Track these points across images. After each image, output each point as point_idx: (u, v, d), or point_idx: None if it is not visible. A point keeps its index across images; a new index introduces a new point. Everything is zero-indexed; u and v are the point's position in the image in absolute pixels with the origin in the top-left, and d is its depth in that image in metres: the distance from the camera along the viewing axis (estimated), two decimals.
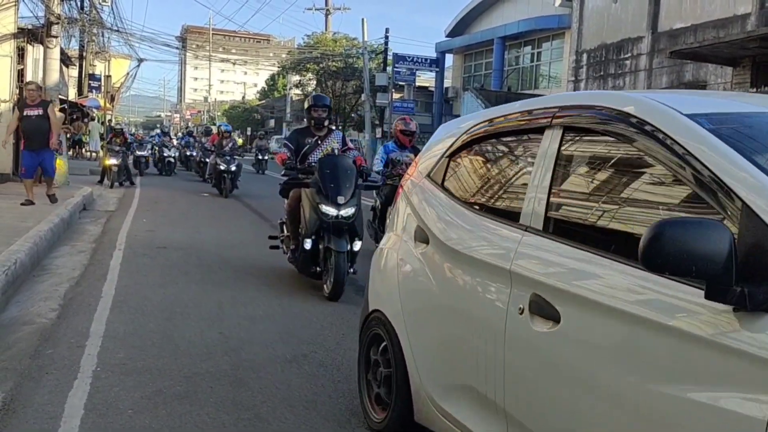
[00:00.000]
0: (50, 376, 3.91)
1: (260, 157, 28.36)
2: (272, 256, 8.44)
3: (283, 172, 6.87)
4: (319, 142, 6.93)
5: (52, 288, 6.14)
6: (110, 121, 25.27)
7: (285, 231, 7.19)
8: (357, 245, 6.42)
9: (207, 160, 19.77)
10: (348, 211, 6.21)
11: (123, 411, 3.48)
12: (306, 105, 7.11)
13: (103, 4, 27.72)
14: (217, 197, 16.25)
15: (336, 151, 6.82)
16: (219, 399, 3.69)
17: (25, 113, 10.67)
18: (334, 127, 7.64)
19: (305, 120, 7.18)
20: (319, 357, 4.49)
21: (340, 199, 6.13)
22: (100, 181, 18.00)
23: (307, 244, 6.25)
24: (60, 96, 18.34)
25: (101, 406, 3.53)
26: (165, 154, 24.51)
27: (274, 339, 4.86)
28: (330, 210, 6.10)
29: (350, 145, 7.25)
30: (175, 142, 30.10)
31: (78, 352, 4.35)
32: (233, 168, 16.25)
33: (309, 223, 6.22)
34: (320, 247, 6.26)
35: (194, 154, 25.69)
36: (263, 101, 70.99)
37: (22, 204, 10.27)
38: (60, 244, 8.52)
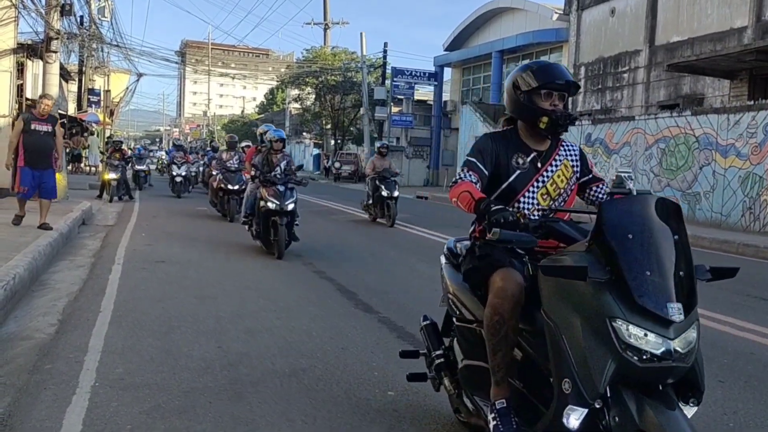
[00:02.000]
0: (48, 392, 3.90)
1: (386, 192, 14.53)
2: (271, 270, 8.43)
3: (493, 234, 2.82)
4: (540, 164, 3.32)
5: (51, 303, 6.13)
6: (110, 137, 25.16)
7: (459, 354, 3.40)
8: (691, 412, 2.62)
9: (230, 186, 14.25)
10: (687, 340, 2.49)
11: (121, 426, 3.47)
12: (526, 82, 3.23)
13: (103, 19, 27.91)
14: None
15: (604, 188, 3.42)
16: (217, 413, 3.68)
17: (32, 127, 9.71)
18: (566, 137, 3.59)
19: (515, 114, 3.37)
20: (319, 371, 4.48)
21: (675, 312, 2.42)
22: (99, 196, 18.06)
23: (575, 420, 2.48)
24: (59, 111, 18.39)
25: (99, 421, 3.51)
26: (174, 173, 20.88)
27: (273, 353, 4.85)
28: (650, 340, 2.41)
29: (596, 171, 3.53)
30: (191, 158, 24.43)
31: (76, 367, 4.34)
32: (290, 206, 9.39)
33: (586, 365, 2.46)
34: (610, 422, 2.48)
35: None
36: (262, 115, 71.14)
37: (12, 221, 9.65)
38: (59, 258, 8.53)
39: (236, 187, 14.08)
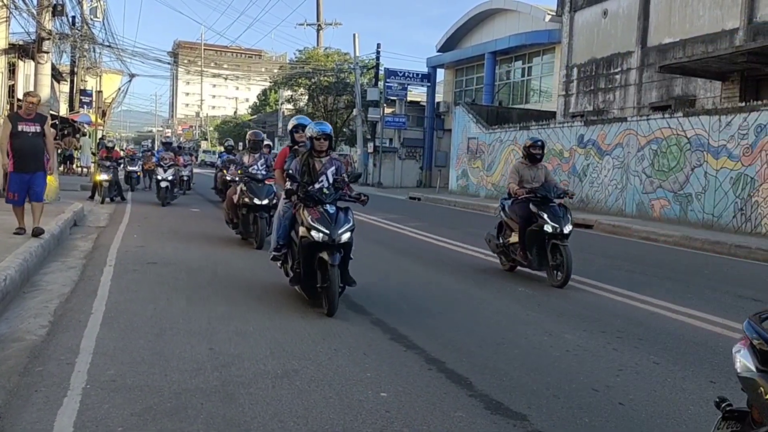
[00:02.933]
0: (39, 394, 3.88)
1: (551, 227, 8.24)
2: (263, 271, 8.42)
3: None
4: None
5: (42, 304, 6.11)
6: (102, 138, 25.05)
7: None
8: None
9: (257, 200, 10.63)
10: None
11: (113, 428, 3.46)
12: None
13: (95, 19, 27.86)
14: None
15: None
16: (209, 415, 3.67)
17: (19, 128, 8.99)
18: None
19: None
20: (311, 372, 4.48)
21: None
22: (91, 197, 18.00)
23: None
24: (51, 111, 18.33)
25: (91, 423, 3.50)
26: (159, 177, 17.82)
27: (264, 354, 4.84)
28: None
29: None
30: (182, 160, 21.53)
31: (68, 369, 4.32)
32: (345, 237, 6.38)
33: None
34: None
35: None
36: (255, 116, 71.12)
37: (14, 233, 8.98)
38: (50, 260, 8.49)
39: (265, 201, 10.65)
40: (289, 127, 8.24)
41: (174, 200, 18.36)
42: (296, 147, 7.86)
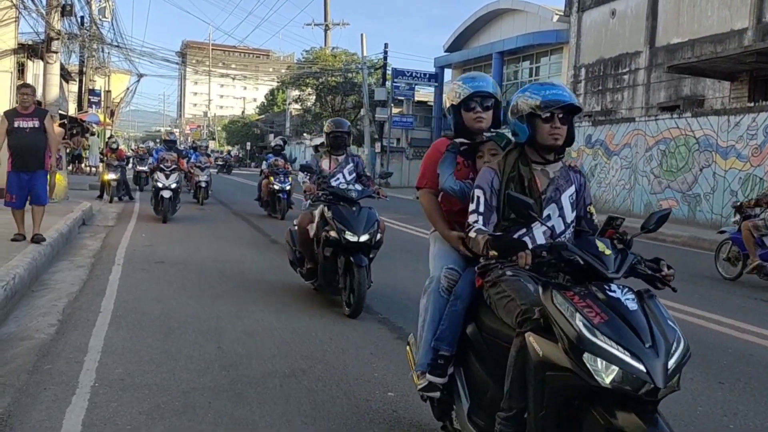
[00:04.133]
0: (48, 392, 3.90)
1: None
2: (271, 271, 8.43)
3: None
4: None
5: (51, 303, 6.14)
6: (110, 137, 25.05)
7: None
8: None
9: (350, 235, 6.20)
10: None
11: (121, 427, 3.47)
12: None
13: (103, 19, 27.94)
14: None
15: None
16: (217, 414, 3.68)
17: (15, 124, 8.28)
18: None
19: None
20: (318, 372, 4.48)
21: None
22: (100, 196, 18.06)
23: None
24: (60, 111, 18.39)
25: (99, 422, 3.51)
26: (159, 185, 13.63)
27: (272, 353, 4.85)
28: None
29: None
30: (185, 164, 18.78)
31: (76, 367, 4.34)
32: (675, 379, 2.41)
33: None
34: None
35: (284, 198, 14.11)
36: (262, 116, 71.15)
37: (12, 240, 8.26)
38: (59, 259, 8.52)
39: (364, 237, 6.31)
40: (449, 99, 3.83)
41: (176, 213, 14.24)
42: (480, 141, 3.71)
